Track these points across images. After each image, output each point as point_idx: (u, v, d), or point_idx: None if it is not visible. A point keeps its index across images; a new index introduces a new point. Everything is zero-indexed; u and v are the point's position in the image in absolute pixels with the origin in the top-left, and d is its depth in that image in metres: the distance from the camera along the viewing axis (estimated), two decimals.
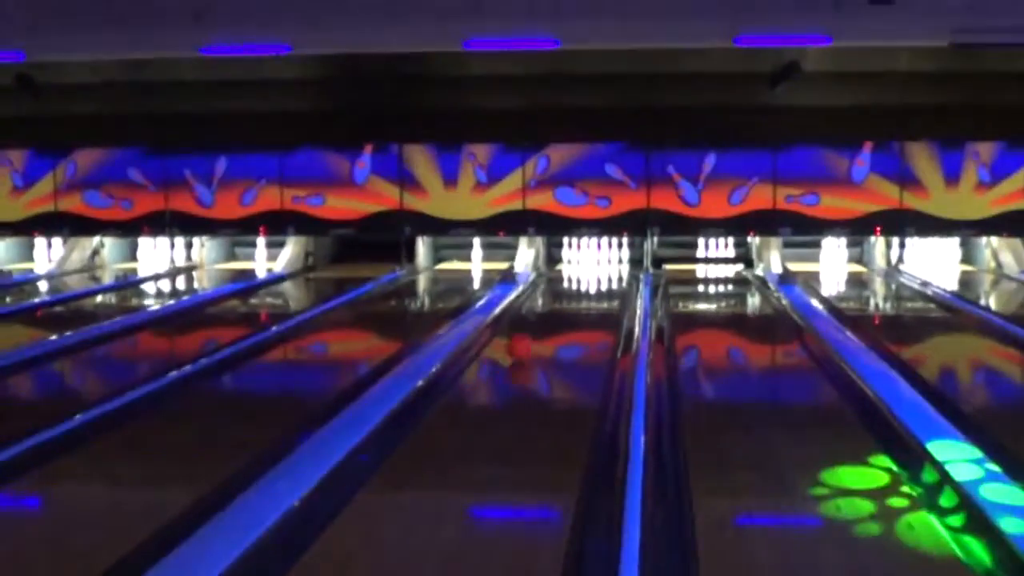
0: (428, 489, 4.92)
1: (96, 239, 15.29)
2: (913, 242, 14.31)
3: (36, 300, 12.39)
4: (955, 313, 10.54)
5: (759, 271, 13.66)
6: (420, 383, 6.69)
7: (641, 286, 11.89)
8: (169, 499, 4.65)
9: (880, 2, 8.46)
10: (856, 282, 13.54)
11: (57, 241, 15.41)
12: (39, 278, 14.32)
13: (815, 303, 10.52)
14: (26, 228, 15.14)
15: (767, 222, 13.67)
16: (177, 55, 12.72)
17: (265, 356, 8.54)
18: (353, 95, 14.04)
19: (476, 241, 14.91)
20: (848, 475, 4.88)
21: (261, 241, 15.33)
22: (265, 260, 15.20)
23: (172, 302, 12.40)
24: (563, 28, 11.85)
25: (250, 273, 14.47)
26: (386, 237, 14.48)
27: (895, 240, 14.30)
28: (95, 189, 14.75)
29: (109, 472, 5.25)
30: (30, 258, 15.57)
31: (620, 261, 14.50)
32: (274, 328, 9.67)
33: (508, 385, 7.64)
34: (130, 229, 14.87)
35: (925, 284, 12.26)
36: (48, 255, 15.46)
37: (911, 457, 5.04)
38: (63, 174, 14.83)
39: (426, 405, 6.38)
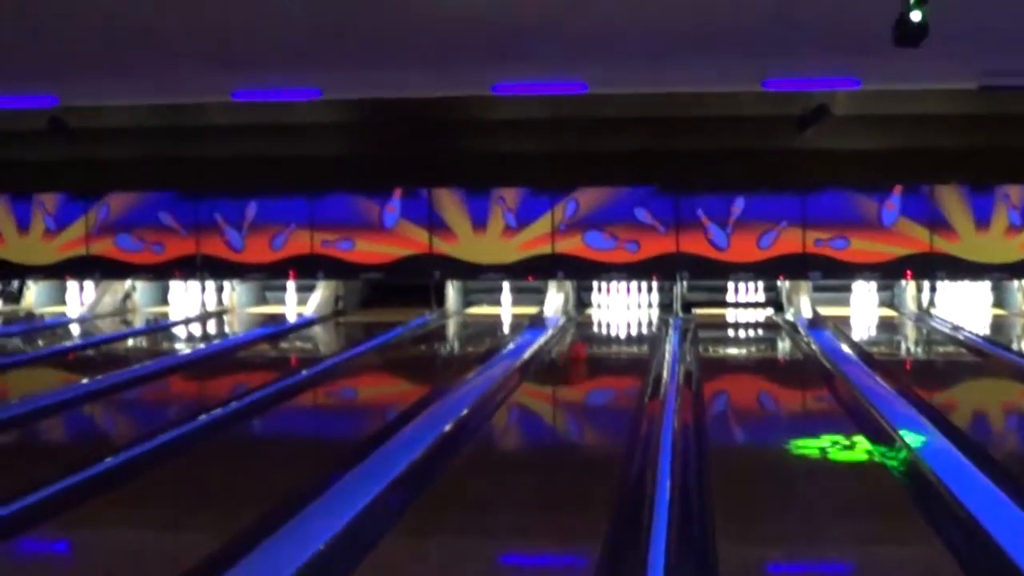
0: (454, 535, 4.91)
1: (128, 283, 15.39)
2: (944, 286, 14.24)
3: (68, 344, 12.46)
4: (986, 358, 10.47)
5: (789, 315, 13.61)
6: (447, 428, 6.69)
7: (670, 330, 11.86)
8: (197, 543, 4.66)
9: (905, 44, 8.41)
10: (887, 326, 13.46)
11: (89, 284, 15.51)
12: (71, 321, 14.42)
13: (845, 348, 10.47)
14: (58, 272, 15.26)
15: (797, 266, 13.63)
16: (208, 99, 12.85)
17: (294, 400, 8.55)
18: (382, 139, 14.12)
19: (506, 285, 14.92)
20: (878, 524, 4.85)
21: (291, 285, 15.37)
22: (295, 304, 15.24)
23: (203, 346, 12.46)
24: (592, 73, 11.90)
25: (280, 317, 14.52)
26: (415, 281, 14.52)
27: (926, 284, 14.24)
28: (127, 233, 14.85)
29: (138, 516, 5.26)
30: (62, 301, 15.67)
31: (649, 305, 14.49)
32: (303, 372, 9.69)
33: (535, 430, 7.63)
34: (161, 273, 14.96)
35: (956, 328, 12.18)
36: (80, 298, 15.56)
37: (941, 506, 4.99)
38: (95, 218, 14.96)
39: (453, 450, 6.37)
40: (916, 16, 8.34)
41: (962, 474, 5.40)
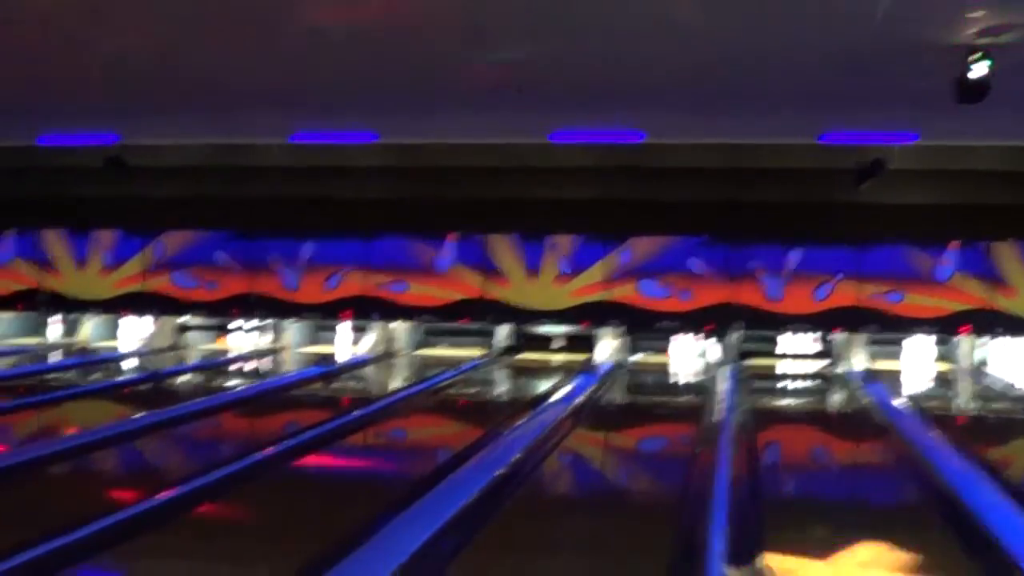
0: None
1: (183, 319, 15.55)
2: (998, 342, 14.13)
3: (121, 378, 12.61)
4: None
5: (841, 368, 13.54)
6: (499, 472, 6.70)
7: (724, 380, 11.83)
8: None
9: (969, 101, 8.41)
10: (940, 381, 13.37)
11: (143, 319, 15.67)
12: (125, 356, 14.59)
13: (898, 401, 10.41)
14: (114, 307, 15.44)
15: (851, 318, 13.60)
16: (266, 141, 13.02)
17: (346, 440, 8.60)
18: (437, 183, 14.23)
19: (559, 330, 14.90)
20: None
21: (345, 325, 15.46)
22: (351, 344, 15.31)
23: (256, 383, 12.57)
24: (649, 121, 11.96)
25: (332, 357, 14.60)
26: (470, 324, 14.61)
27: (978, 340, 14.12)
28: (182, 270, 15.05)
29: (190, 551, 5.30)
30: (114, 336, 15.85)
31: (703, 354, 14.44)
32: (355, 412, 9.74)
33: (587, 477, 7.63)
34: (216, 310, 15.13)
35: (1011, 385, 12.11)
36: (134, 334, 15.72)
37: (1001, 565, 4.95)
38: (151, 254, 15.15)
39: (505, 494, 6.38)
40: (979, 71, 8.31)
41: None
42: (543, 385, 11.86)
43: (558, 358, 14.50)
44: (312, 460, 7.82)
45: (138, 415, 9.25)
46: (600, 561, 5.22)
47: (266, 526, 5.79)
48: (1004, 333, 13.63)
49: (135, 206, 15.00)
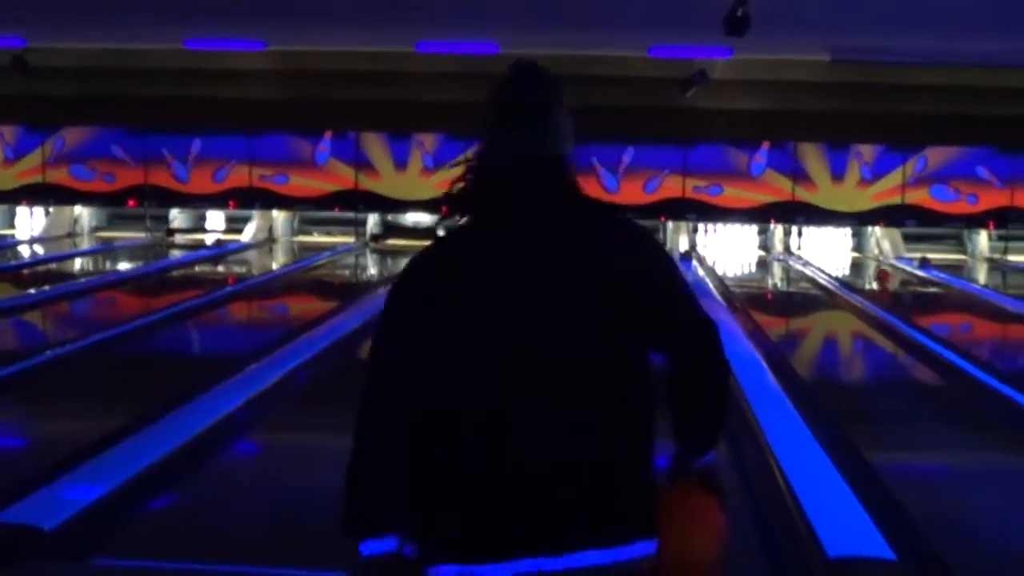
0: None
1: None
2: (809, 231, 16.08)
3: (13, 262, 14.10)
4: (824, 291, 12.27)
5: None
6: (353, 328, 8.33)
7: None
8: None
9: (735, 35, 10.05)
10: (753, 264, 15.39)
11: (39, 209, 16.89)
12: (20, 243, 15.98)
13: (706, 279, 12.21)
14: (15, 197, 16.64)
15: (677, 208, 15.51)
16: (161, 46, 14.07)
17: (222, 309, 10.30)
18: (316, 86, 15.50)
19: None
20: None
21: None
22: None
23: (145, 264, 14.05)
24: (502, 35, 13.30)
25: (219, 242, 16.06)
26: (343, 213, 16.21)
27: (793, 228, 16.11)
28: (80, 163, 16.29)
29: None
30: (11, 225, 17.08)
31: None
32: (235, 286, 11.38)
33: None
34: (112, 200, 16.44)
35: (806, 264, 14.11)
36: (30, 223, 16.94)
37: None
38: (51, 149, 16.35)
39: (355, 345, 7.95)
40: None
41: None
42: (403, 265, 13.42)
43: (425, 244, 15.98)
44: (191, 326, 9.47)
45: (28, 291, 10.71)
46: None
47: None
48: (806, 222, 15.62)
49: (36, 104, 15.92)
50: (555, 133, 2.22)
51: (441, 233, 2.30)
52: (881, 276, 14.39)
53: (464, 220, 2.19)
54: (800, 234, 16.19)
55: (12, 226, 17.07)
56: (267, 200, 16.15)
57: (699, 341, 2.15)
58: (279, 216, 16.52)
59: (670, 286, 2.16)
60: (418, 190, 15.70)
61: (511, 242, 2.11)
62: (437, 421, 2.07)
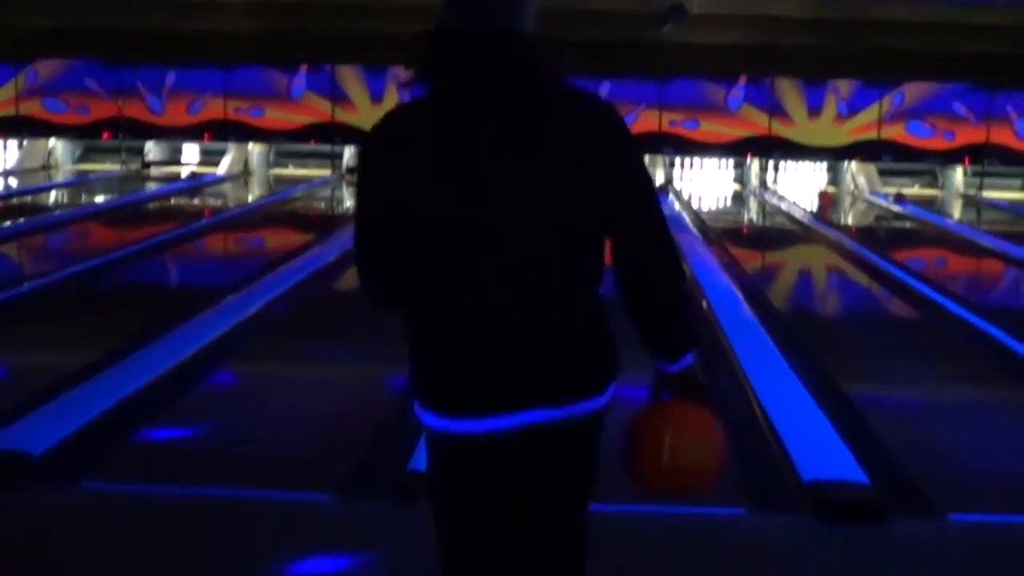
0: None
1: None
2: (786, 165, 16.17)
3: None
4: (799, 224, 12.35)
5: None
6: (329, 261, 8.38)
7: None
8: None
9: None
10: (729, 198, 15.43)
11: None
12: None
13: (682, 213, 12.27)
14: None
15: (654, 142, 15.42)
16: None
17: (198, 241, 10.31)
18: (292, 18, 15.46)
19: None
20: None
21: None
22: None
23: (119, 196, 14.03)
24: None
25: (194, 175, 16.00)
26: (319, 146, 16.20)
27: (770, 163, 16.16)
28: (54, 96, 16.15)
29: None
30: None
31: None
32: (212, 218, 11.40)
33: None
34: (86, 132, 16.35)
35: (781, 199, 14.17)
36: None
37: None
38: (24, 81, 16.20)
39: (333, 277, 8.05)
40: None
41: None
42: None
43: None
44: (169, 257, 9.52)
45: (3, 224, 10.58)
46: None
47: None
48: (782, 157, 15.70)
49: (9, 35, 15.72)
50: (516, 6, 2.15)
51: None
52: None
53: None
54: (776, 169, 16.24)
55: None
56: (242, 133, 16.10)
57: (649, 237, 2.18)
58: (254, 149, 16.45)
59: (627, 180, 2.17)
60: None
61: (472, 123, 2.11)
62: (415, 267, 2.12)
